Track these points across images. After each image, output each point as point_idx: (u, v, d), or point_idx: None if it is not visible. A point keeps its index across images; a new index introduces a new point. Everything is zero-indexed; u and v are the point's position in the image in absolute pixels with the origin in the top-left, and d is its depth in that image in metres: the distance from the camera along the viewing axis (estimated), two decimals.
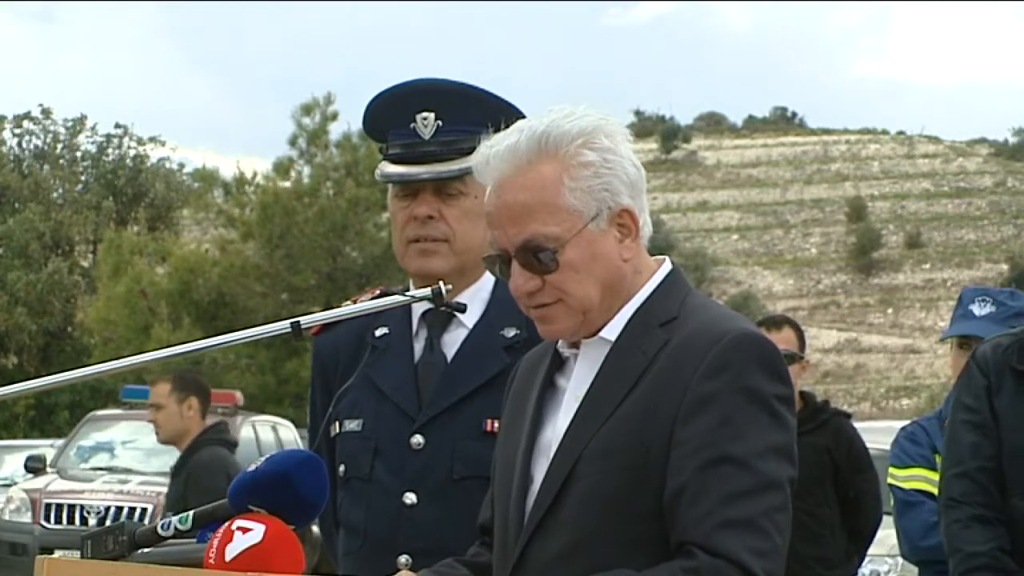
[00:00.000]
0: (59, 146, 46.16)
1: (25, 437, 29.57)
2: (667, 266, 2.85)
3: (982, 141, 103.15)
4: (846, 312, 79.34)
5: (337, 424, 3.64)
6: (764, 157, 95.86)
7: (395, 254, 3.72)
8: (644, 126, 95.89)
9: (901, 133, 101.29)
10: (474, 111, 3.55)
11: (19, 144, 46.36)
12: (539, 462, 2.77)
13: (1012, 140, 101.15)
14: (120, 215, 44.51)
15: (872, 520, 7.16)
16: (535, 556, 2.72)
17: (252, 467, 2.64)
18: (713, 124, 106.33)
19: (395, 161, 3.63)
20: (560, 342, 2.84)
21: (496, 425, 3.34)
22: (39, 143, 46.34)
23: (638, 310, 2.77)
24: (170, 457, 9.99)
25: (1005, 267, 75.94)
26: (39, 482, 16.74)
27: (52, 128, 46.31)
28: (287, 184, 33.20)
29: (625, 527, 2.65)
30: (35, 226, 41.84)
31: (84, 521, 15.62)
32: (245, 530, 2.55)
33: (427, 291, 3.33)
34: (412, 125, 3.60)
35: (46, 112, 46.37)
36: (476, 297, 3.62)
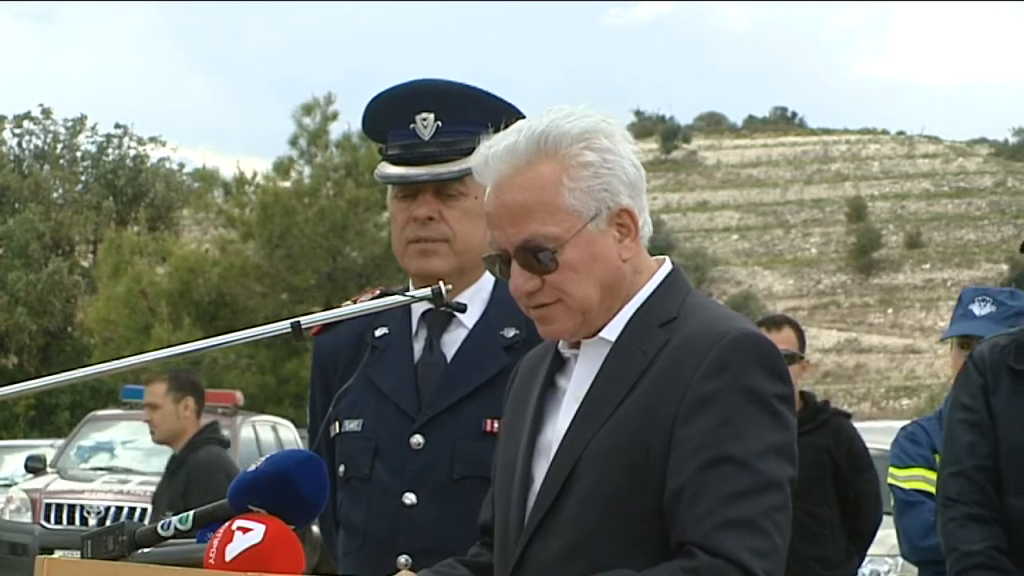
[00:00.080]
0: (59, 146, 46.14)
1: (25, 437, 29.55)
2: (667, 266, 2.85)
3: (982, 141, 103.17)
4: (846, 312, 79.35)
5: (337, 424, 3.64)
6: (764, 157, 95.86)
7: (395, 254, 3.72)
8: (644, 126, 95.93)
9: (901, 133, 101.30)
10: (474, 112, 3.55)
11: (19, 144, 46.35)
12: (539, 462, 2.77)
13: (1012, 140, 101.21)
14: (120, 215, 44.49)
15: (872, 520, 7.16)
16: (535, 556, 2.72)
17: (252, 467, 2.64)
18: (713, 124, 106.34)
19: (395, 162, 3.63)
20: (561, 342, 2.84)
21: (496, 425, 3.35)
22: (39, 143, 46.33)
23: (638, 310, 2.77)
24: None
25: (1005, 267, 75.95)
26: (39, 482, 16.74)
27: (52, 128, 46.32)
28: (287, 184, 33.20)
29: (625, 527, 2.65)
30: (35, 226, 41.82)
31: (84, 521, 15.63)
32: (245, 530, 2.56)
33: (427, 291, 3.33)
34: (412, 126, 3.60)
35: (46, 112, 46.37)
36: (476, 297, 3.62)
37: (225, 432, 10.14)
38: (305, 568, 2.59)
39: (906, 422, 6.13)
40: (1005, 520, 4.19)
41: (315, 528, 4.44)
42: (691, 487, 2.61)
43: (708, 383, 2.65)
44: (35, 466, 17.34)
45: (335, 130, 33.05)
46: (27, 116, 46.27)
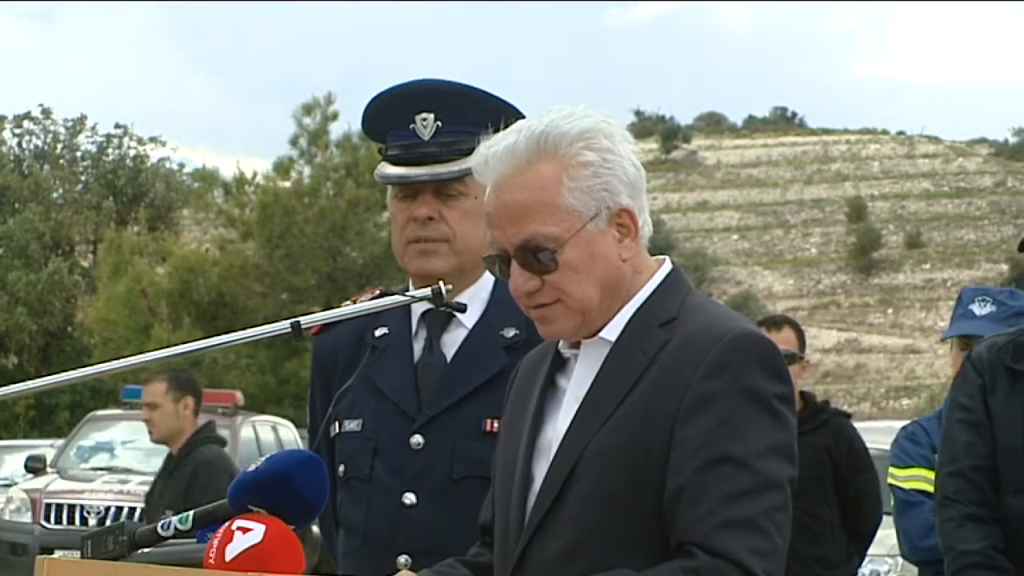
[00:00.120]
0: (59, 146, 46.15)
1: (25, 437, 29.55)
2: (667, 266, 2.84)
3: (982, 141, 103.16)
4: (846, 312, 79.35)
5: (337, 424, 3.64)
6: (764, 157, 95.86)
7: (395, 254, 3.72)
8: (644, 126, 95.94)
9: (901, 133, 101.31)
10: (473, 112, 3.55)
11: (19, 144, 46.35)
12: (540, 462, 2.77)
13: (1012, 140, 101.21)
14: (120, 215, 44.49)
15: (872, 520, 7.16)
16: (536, 556, 2.72)
17: (252, 467, 2.64)
18: (713, 124, 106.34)
19: (394, 162, 3.63)
20: (561, 342, 2.84)
21: (496, 425, 3.35)
22: (39, 143, 46.33)
23: (638, 310, 2.77)
24: None
25: (1005, 267, 75.96)
26: (39, 482, 16.74)
27: (52, 128, 46.33)
28: (287, 184, 33.20)
29: (625, 527, 2.65)
30: (35, 226, 41.82)
31: (84, 521, 15.62)
32: (245, 530, 2.56)
33: (427, 291, 3.33)
34: (411, 126, 3.60)
35: (46, 112, 46.37)
36: (476, 297, 3.62)
37: (224, 432, 10.15)
38: (305, 568, 2.59)
39: (906, 422, 6.13)
40: (1003, 520, 4.19)
41: (315, 528, 4.44)
42: (691, 487, 2.60)
43: (708, 383, 2.65)
44: (35, 466, 17.33)
45: (335, 130, 33.11)
46: (27, 116, 46.29)
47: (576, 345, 2.82)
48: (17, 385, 3.34)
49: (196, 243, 39.97)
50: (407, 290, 3.48)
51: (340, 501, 3.62)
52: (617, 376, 2.72)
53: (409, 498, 3.50)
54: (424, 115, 3.59)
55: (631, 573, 2.60)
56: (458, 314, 3.58)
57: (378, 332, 3.65)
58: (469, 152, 3.00)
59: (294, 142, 33.16)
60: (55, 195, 45.01)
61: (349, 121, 33.04)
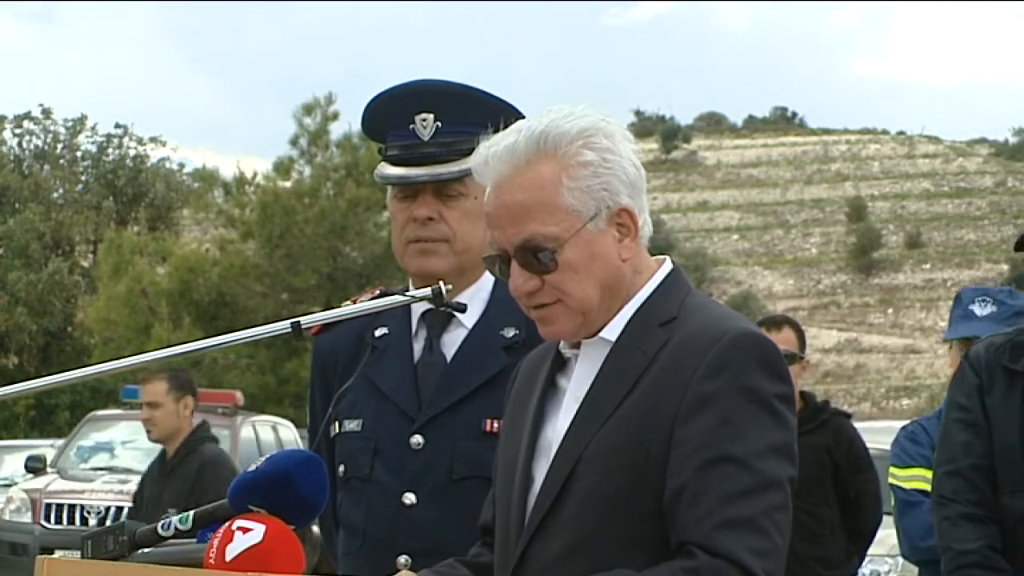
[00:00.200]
0: (59, 146, 46.15)
1: (25, 437, 29.56)
2: (667, 266, 2.84)
3: (982, 141, 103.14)
4: (846, 312, 79.34)
5: (337, 424, 3.64)
6: (764, 157, 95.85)
7: (395, 254, 3.72)
8: (644, 126, 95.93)
9: (901, 133, 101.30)
10: (473, 112, 3.55)
11: (19, 144, 46.36)
12: (540, 463, 2.77)
13: (1012, 140, 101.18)
14: (120, 215, 44.50)
15: (872, 520, 7.16)
16: (536, 556, 2.72)
17: (252, 467, 2.64)
18: (713, 124, 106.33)
19: (394, 162, 3.63)
20: (561, 342, 2.84)
21: (496, 425, 3.35)
22: (39, 143, 46.34)
23: (638, 310, 2.77)
24: None
25: (1005, 267, 75.93)
26: (39, 482, 16.74)
27: (52, 128, 46.34)
28: (287, 184, 33.20)
29: (625, 527, 2.65)
30: (35, 226, 41.83)
31: (84, 521, 15.62)
32: (245, 530, 2.56)
33: (427, 291, 3.33)
34: (411, 126, 3.60)
35: (46, 112, 46.38)
36: (476, 297, 3.62)
37: (224, 432, 10.16)
38: (305, 568, 2.59)
39: (906, 422, 6.13)
40: (1000, 519, 4.19)
41: (315, 528, 4.44)
42: (691, 487, 2.60)
43: (708, 383, 2.65)
44: (35, 466, 17.33)
45: (335, 130, 33.10)
46: (27, 116, 46.31)
47: (576, 345, 2.81)
48: (17, 385, 3.34)
49: (196, 243, 39.96)
50: (407, 290, 3.48)
51: (340, 501, 3.62)
52: (617, 376, 2.72)
53: (409, 498, 3.50)
54: (424, 115, 3.59)
55: (631, 573, 2.60)
56: (458, 314, 3.58)
57: (378, 332, 3.65)
58: (469, 152, 3.00)
59: (294, 142, 33.18)
60: (55, 195, 45.02)
61: (349, 121, 33.08)
